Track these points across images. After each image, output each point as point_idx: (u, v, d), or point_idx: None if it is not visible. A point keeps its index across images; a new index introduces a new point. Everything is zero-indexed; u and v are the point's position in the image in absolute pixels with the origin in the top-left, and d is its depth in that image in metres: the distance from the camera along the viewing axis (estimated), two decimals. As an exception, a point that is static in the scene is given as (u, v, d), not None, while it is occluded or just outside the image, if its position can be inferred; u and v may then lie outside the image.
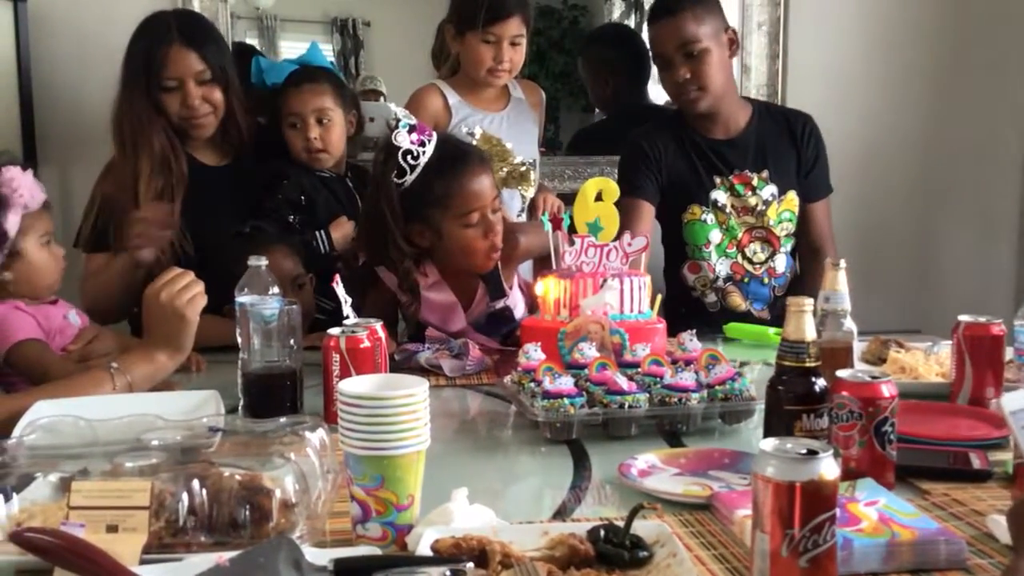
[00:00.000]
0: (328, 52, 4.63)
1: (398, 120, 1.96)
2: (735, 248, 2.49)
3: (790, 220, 2.52)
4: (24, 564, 1.02)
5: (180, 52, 2.28)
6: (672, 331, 1.90)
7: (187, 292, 1.62)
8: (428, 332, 2.05)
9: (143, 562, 1.00)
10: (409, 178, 1.96)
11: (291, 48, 4.45)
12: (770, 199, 2.49)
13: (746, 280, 2.50)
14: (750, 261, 2.50)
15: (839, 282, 1.63)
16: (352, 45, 4.67)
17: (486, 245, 2.00)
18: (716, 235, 2.48)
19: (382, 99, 3.88)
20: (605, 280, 1.84)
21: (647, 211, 2.45)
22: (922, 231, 3.27)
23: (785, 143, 2.53)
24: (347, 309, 1.63)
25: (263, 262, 1.69)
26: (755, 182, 2.48)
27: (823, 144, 2.56)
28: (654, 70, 2.60)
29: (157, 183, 2.29)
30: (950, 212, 3.24)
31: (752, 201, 2.48)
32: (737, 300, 2.50)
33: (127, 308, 2.22)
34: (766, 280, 2.51)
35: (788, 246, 2.53)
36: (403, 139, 1.95)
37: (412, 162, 1.95)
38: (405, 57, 2.94)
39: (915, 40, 3.19)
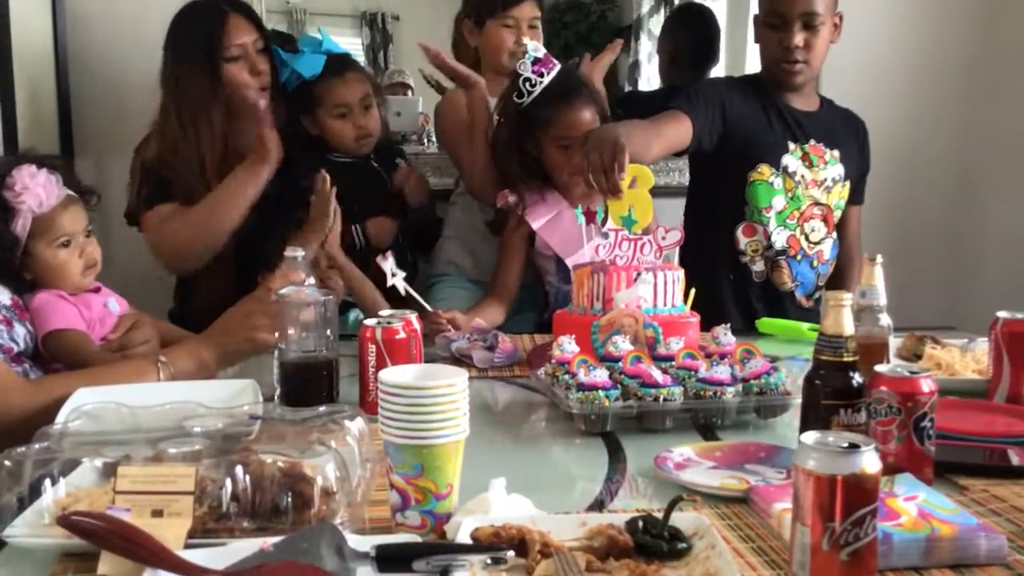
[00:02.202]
0: (357, 46, 4.66)
1: (526, 51, 2.32)
2: (796, 219, 2.45)
3: (840, 209, 2.52)
4: (70, 547, 1.03)
5: (238, 20, 2.31)
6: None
7: (268, 327, 1.64)
8: (473, 323, 2.08)
9: (188, 546, 1.01)
10: (527, 100, 2.30)
11: (321, 42, 4.47)
12: (837, 178, 2.49)
13: (798, 258, 2.47)
14: (807, 238, 2.46)
15: (875, 277, 1.63)
16: (381, 39, 4.69)
17: (572, 168, 2.26)
18: (780, 201, 2.44)
19: (410, 92, 3.90)
20: (639, 274, 1.84)
21: (684, 125, 2.32)
22: (959, 225, 3.24)
23: (851, 137, 2.55)
24: (397, 281, 1.65)
25: (300, 253, 1.71)
26: (827, 157, 2.47)
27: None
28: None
29: (223, 164, 2.30)
30: (987, 205, 3.21)
31: (823, 175, 2.46)
32: (784, 277, 2.47)
33: (207, 257, 2.28)
34: (815, 263, 2.49)
35: (835, 235, 2.52)
36: (525, 68, 2.30)
37: (529, 88, 2.30)
38: (432, 51, 2.95)
39: (948, 31, 3.17)
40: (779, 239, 2.45)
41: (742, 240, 2.46)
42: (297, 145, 2.45)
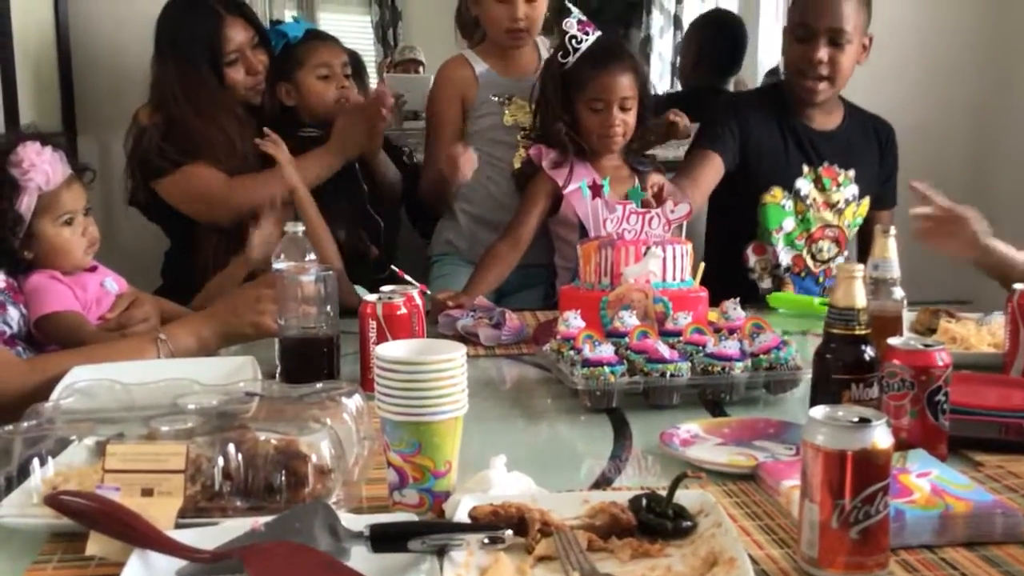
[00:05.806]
0: (366, 24, 4.63)
1: (571, 11, 2.29)
2: (804, 240, 2.46)
3: (856, 226, 2.51)
4: (59, 527, 1.01)
5: (233, 21, 2.31)
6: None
7: (276, 314, 1.61)
8: (478, 301, 2.04)
9: (179, 526, 0.99)
10: (571, 59, 2.25)
11: (330, 20, 4.45)
12: (851, 199, 2.47)
13: (803, 275, 2.47)
14: (814, 257, 2.47)
15: (888, 249, 1.59)
16: (390, 16, 4.65)
17: (601, 131, 2.25)
18: (789, 223, 2.44)
19: (421, 69, 3.86)
20: (648, 248, 1.80)
21: (716, 164, 2.39)
22: (974, 200, 3.19)
23: (871, 147, 2.52)
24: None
25: (300, 228, 1.69)
26: (841, 179, 2.46)
27: (898, 155, 2.56)
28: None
29: (252, 155, 2.33)
30: (1001, 182, 3.17)
31: (835, 198, 2.45)
32: (789, 292, 2.45)
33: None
34: (821, 279, 2.48)
35: (847, 252, 2.51)
36: (571, 25, 2.26)
37: (576, 45, 2.25)
38: (444, 27, 2.91)
39: (960, 11, 3.14)
40: (785, 258, 2.46)
41: (752, 258, 2.48)
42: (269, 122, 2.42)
